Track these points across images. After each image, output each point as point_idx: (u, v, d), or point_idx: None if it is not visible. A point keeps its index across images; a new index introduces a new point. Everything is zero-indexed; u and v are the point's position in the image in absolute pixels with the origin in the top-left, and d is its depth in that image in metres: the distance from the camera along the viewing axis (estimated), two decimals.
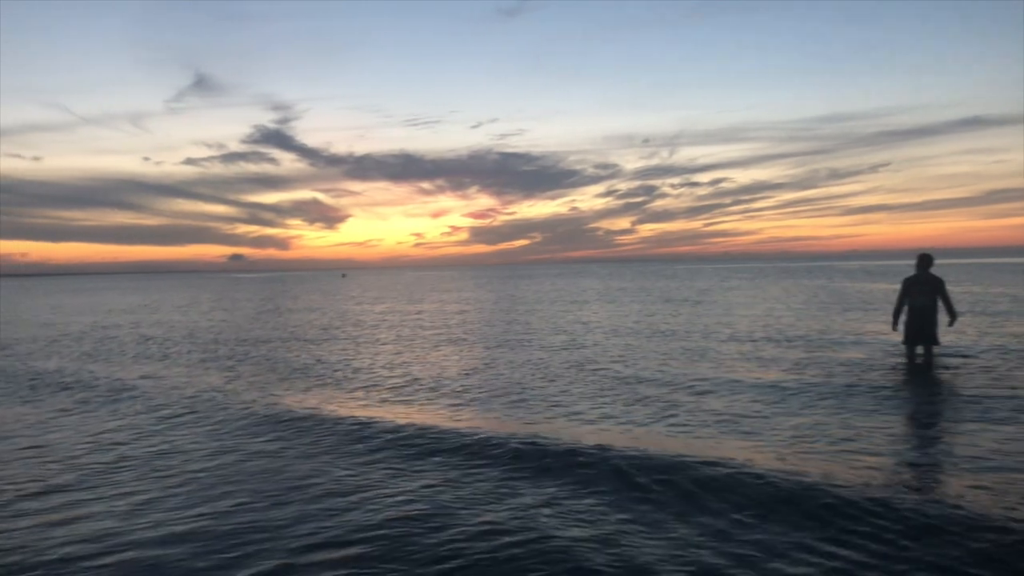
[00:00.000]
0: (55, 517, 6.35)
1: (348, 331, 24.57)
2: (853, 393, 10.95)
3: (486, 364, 15.44)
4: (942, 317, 13.12)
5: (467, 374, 14.13)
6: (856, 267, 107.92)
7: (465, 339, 20.97)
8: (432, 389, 12.48)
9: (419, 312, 33.83)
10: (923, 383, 11.90)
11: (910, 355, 13.32)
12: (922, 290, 13.06)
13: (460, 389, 12.32)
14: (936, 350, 13.39)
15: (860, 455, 7.54)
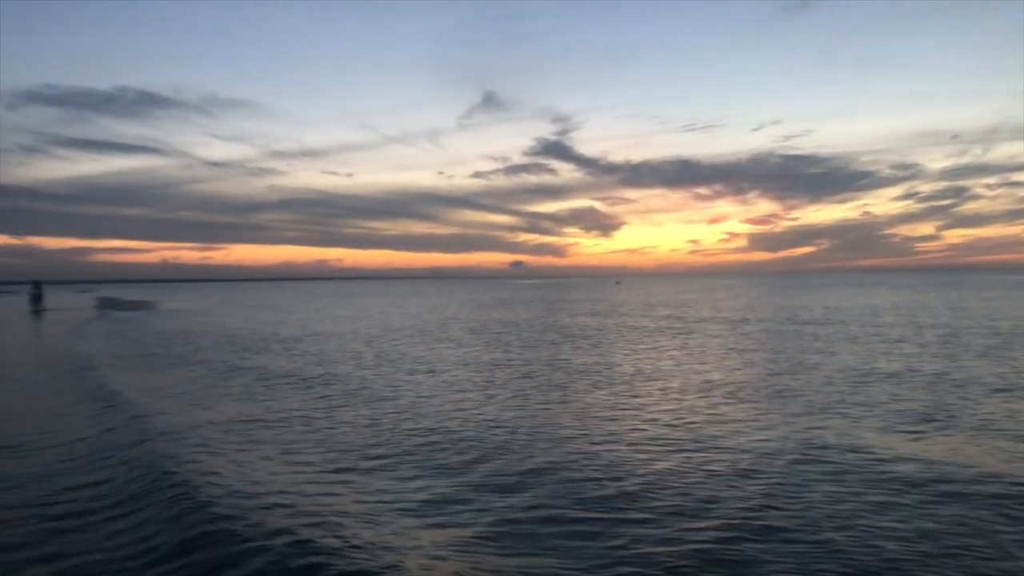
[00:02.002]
0: None
1: (631, 335, 25.01)
2: None
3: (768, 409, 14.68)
4: None
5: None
6: None
7: (747, 365, 20.18)
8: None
9: (698, 322, 33.26)
10: None
11: None
12: None
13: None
14: None
15: None
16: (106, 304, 57.23)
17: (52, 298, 67.60)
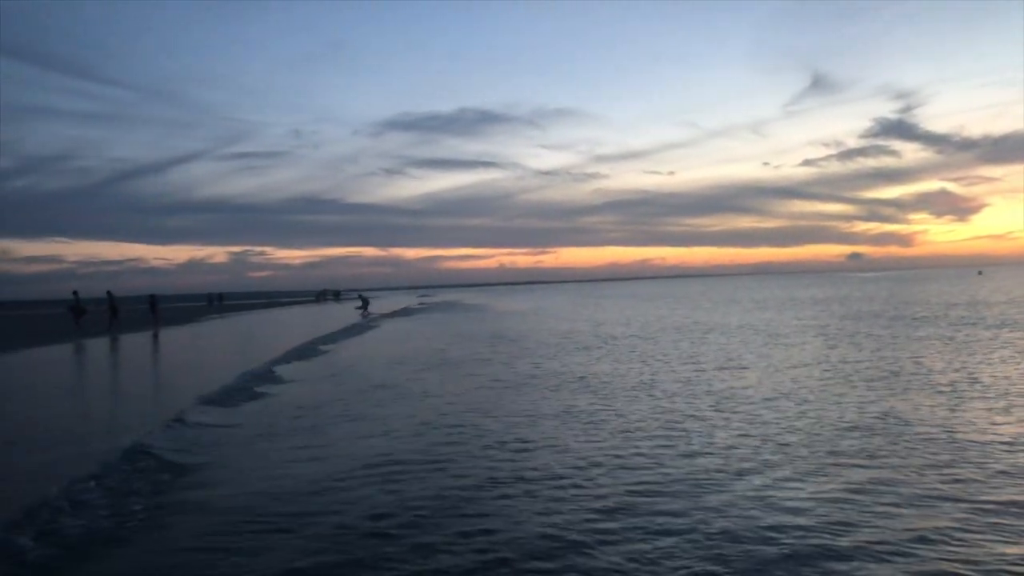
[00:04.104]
0: None
1: None
2: None
3: None
4: None
5: None
6: None
7: None
8: None
9: None
10: None
11: None
12: None
13: None
14: None
15: None
16: (400, 312, 61.34)
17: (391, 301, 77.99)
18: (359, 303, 59.86)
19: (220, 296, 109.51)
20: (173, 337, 34.24)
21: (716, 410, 11.75)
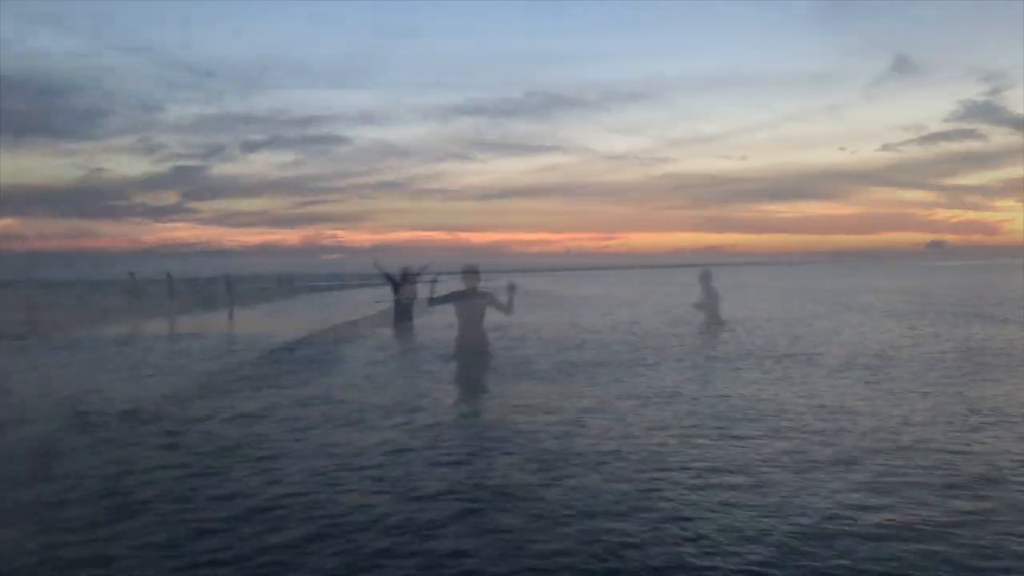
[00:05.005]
0: None
1: None
2: None
3: None
4: None
5: None
6: None
7: None
8: None
9: None
10: None
11: None
12: None
13: None
14: None
15: None
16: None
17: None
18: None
19: (291, 278, 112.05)
20: (242, 317, 35.21)
21: (805, 401, 11.26)
